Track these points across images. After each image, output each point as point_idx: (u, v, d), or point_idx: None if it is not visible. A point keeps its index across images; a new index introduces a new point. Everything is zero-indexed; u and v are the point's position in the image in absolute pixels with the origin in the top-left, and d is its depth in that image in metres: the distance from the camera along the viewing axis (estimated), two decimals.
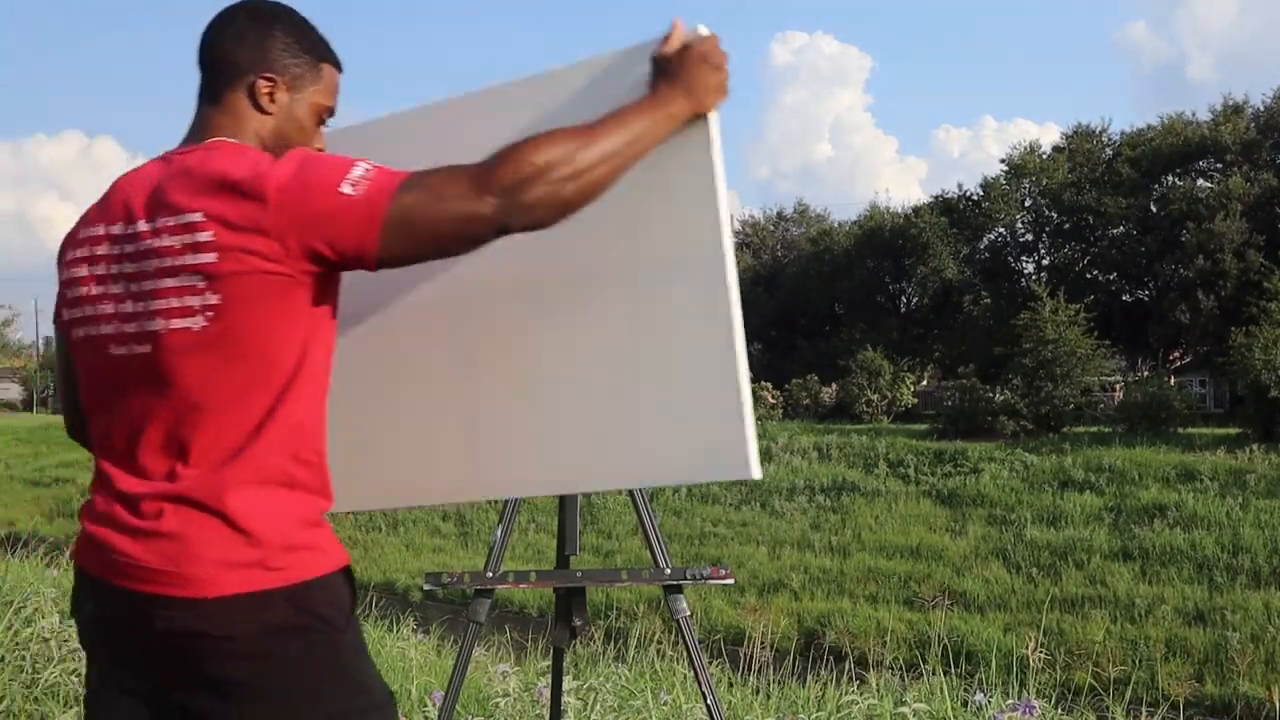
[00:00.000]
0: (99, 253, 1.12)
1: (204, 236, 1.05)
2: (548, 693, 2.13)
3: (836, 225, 34.59)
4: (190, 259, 1.05)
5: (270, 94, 1.16)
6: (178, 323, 1.06)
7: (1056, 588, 13.56)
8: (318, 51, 1.20)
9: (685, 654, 1.75)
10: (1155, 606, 12.57)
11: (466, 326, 1.31)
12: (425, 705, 3.06)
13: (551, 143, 1.05)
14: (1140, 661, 10.38)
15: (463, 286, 1.29)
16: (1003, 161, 29.67)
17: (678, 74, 1.13)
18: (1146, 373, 25.24)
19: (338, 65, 1.23)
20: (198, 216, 1.05)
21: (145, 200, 1.10)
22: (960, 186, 31.10)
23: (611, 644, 4.31)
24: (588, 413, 1.24)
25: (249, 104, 1.16)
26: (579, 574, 1.69)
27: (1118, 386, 25.51)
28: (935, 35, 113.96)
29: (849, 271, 30.03)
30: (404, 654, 3.98)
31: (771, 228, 37.62)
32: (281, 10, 1.20)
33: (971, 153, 75.21)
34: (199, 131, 1.17)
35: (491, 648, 4.27)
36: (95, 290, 1.11)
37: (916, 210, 30.48)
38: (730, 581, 1.59)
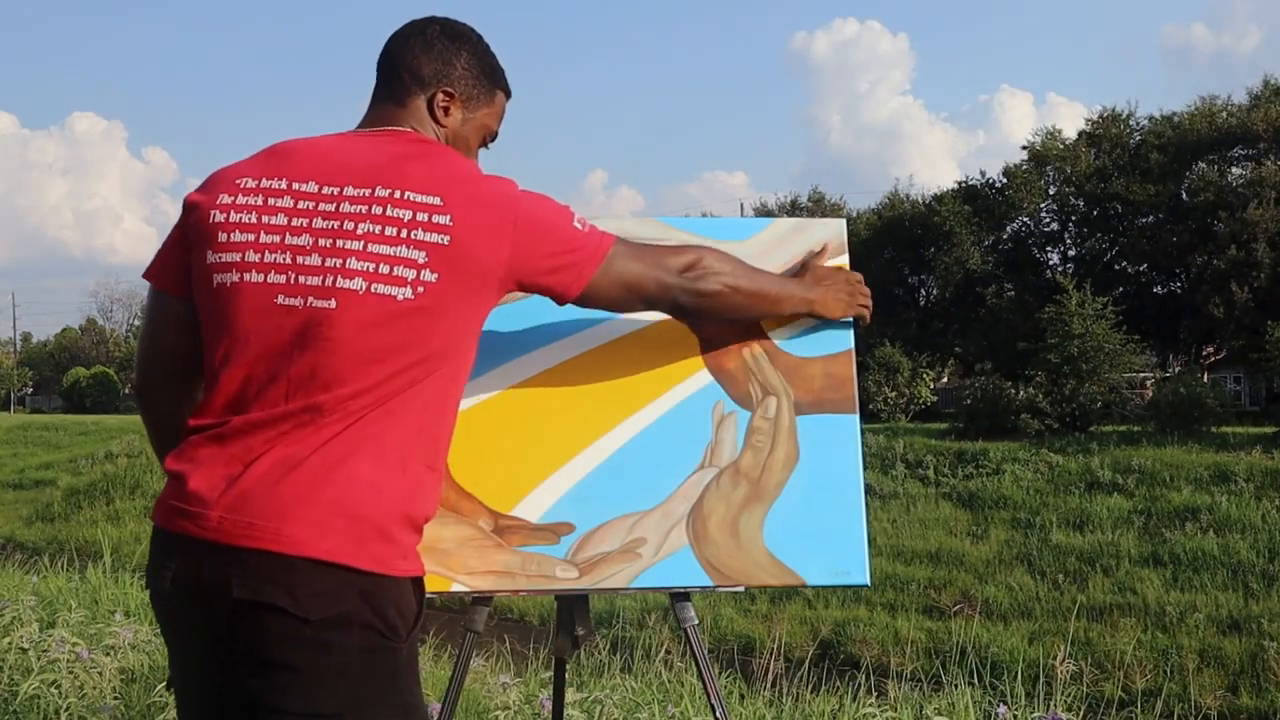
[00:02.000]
0: (279, 204, 1.15)
1: (441, 219, 1.13)
2: (550, 705, 2.15)
3: (854, 214, 33.99)
4: (420, 235, 1.12)
5: (446, 108, 1.27)
6: (381, 288, 1.12)
7: (1083, 595, 13.45)
8: (494, 77, 1.31)
9: (694, 664, 1.74)
10: (1187, 615, 12.30)
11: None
12: None
13: (735, 262, 1.36)
14: (1172, 672, 10.17)
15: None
16: (1024, 148, 28.96)
17: (826, 284, 1.50)
18: (1178, 369, 24.68)
19: (509, 93, 1.34)
20: (436, 200, 1.14)
21: (357, 170, 1.17)
22: (983, 174, 30.41)
23: (616, 654, 4.13)
24: (747, 525, 1.49)
25: (427, 112, 1.26)
26: None
27: (1148, 383, 24.90)
28: (974, 18, 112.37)
29: (866, 263, 29.48)
30: None
31: (786, 216, 37.08)
32: (471, 33, 1.31)
33: (1016, 135, 73.86)
34: (386, 124, 1.25)
35: (491, 658, 4.19)
36: (268, 239, 1.14)
37: (939, 198, 29.88)
38: (740, 589, 1.49)
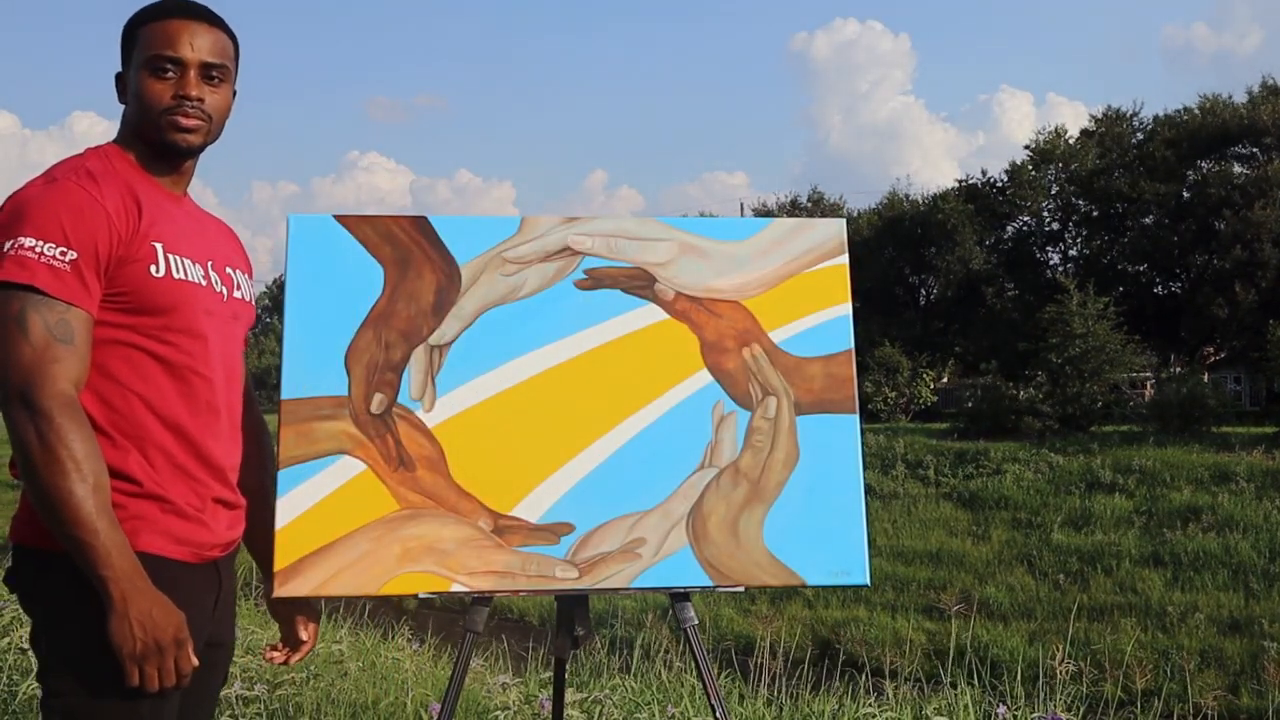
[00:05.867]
0: None
1: None
2: (549, 705, 2.17)
3: (855, 214, 33.96)
4: None
5: (122, 87, 1.32)
6: None
7: (1084, 595, 13.31)
8: (133, 23, 1.31)
9: (693, 665, 1.75)
10: (1188, 615, 12.23)
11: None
12: (422, 718, 3.03)
13: (92, 459, 1.16)
14: (1172, 672, 10.07)
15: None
16: (1028, 147, 28.90)
17: (144, 601, 1.17)
18: (1179, 369, 24.56)
19: (156, 18, 1.29)
20: None
21: None
22: (984, 173, 30.38)
23: (616, 654, 4.22)
24: (747, 525, 1.50)
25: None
26: None
27: (1148, 383, 24.84)
28: (974, 18, 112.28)
29: (866, 263, 29.40)
30: (399, 664, 3.87)
31: (785, 216, 36.99)
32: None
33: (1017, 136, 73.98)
34: None
35: (490, 658, 4.22)
36: None
37: (943, 196, 29.83)
38: (740, 589, 1.49)
